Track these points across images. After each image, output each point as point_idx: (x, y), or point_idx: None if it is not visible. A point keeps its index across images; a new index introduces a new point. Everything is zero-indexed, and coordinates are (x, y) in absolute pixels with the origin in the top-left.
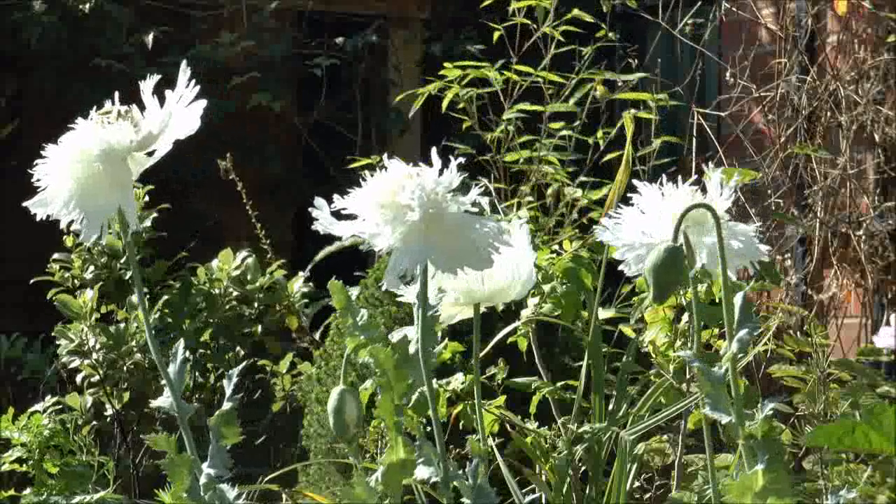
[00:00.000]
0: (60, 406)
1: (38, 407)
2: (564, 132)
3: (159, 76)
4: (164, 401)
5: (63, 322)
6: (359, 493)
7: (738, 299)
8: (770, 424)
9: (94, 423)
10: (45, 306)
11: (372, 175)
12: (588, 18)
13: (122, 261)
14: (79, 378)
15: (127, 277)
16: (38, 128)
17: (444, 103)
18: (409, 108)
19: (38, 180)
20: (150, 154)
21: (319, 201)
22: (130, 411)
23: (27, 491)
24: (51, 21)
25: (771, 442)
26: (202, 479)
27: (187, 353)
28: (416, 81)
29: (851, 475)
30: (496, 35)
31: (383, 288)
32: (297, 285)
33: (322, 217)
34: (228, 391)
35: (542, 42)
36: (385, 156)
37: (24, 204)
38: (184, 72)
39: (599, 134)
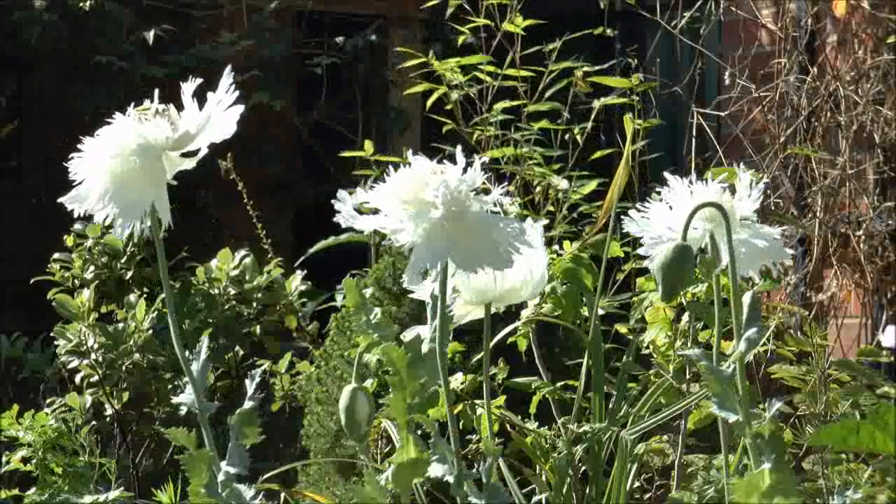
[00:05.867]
0: (68, 408)
1: (48, 410)
2: (544, 126)
3: (200, 80)
4: (186, 398)
5: (62, 322)
6: (369, 491)
7: (746, 298)
8: (777, 424)
9: (94, 423)
10: (45, 306)
11: (371, 172)
12: (527, 22)
13: (122, 261)
14: (78, 378)
15: (127, 277)
16: (38, 128)
17: (429, 102)
18: (409, 107)
19: (74, 174)
20: (186, 156)
21: (342, 194)
22: (130, 411)
23: (31, 490)
24: (51, 20)
25: (778, 441)
26: (220, 477)
27: (191, 354)
28: (415, 81)
29: (852, 475)
30: (461, 39)
31: (405, 283)
32: (295, 284)
33: (344, 210)
34: (250, 391)
35: (523, 41)
36: (409, 152)
37: (60, 200)
38: (227, 76)
39: (576, 130)
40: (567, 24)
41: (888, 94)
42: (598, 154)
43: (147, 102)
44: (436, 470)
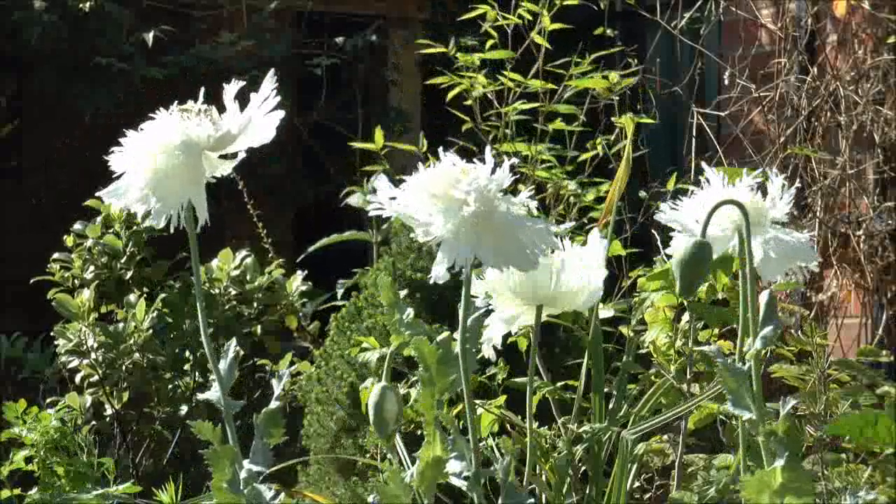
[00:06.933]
0: (71, 408)
1: (52, 410)
2: (558, 127)
3: (243, 83)
4: (213, 395)
5: (62, 322)
6: (392, 489)
7: (763, 297)
8: (790, 422)
9: (94, 423)
10: (45, 306)
11: (379, 166)
12: (555, 25)
13: (122, 261)
14: (78, 378)
15: (127, 277)
16: (38, 128)
17: (450, 95)
18: (409, 106)
19: (114, 167)
20: (224, 159)
21: (381, 178)
22: (130, 411)
23: (33, 490)
24: (51, 21)
25: (791, 440)
26: (242, 474)
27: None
28: (416, 81)
29: (851, 475)
30: (489, 43)
31: (431, 279)
32: (296, 284)
33: (381, 192)
34: (277, 390)
35: (535, 45)
36: (440, 149)
37: (98, 193)
38: (269, 80)
39: (599, 140)
40: (569, 28)
41: (888, 94)
42: (586, 156)
43: (190, 102)
44: (453, 466)
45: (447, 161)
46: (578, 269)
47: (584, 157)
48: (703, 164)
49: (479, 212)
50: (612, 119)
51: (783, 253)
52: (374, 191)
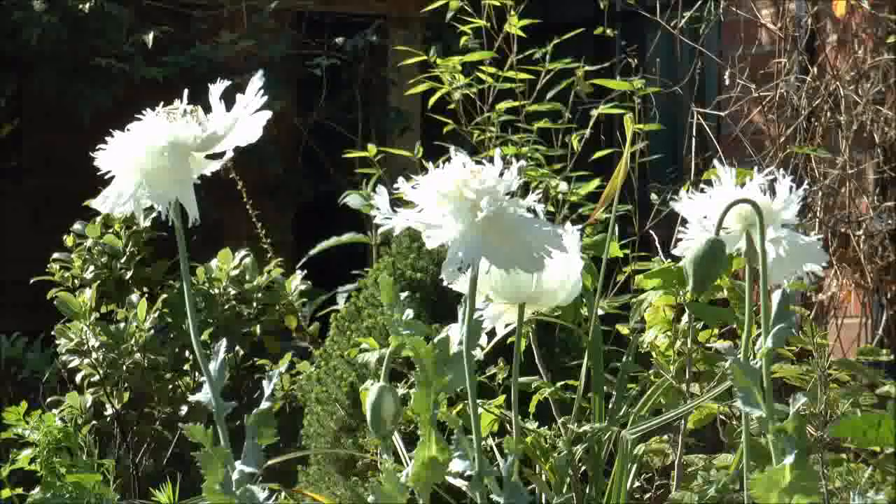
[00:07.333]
0: (72, 408)
1: (55, 410)
2: (544, 126)
3: (229, 82)
4: (203, 396)
5: (63, 321)
6: (388, 489)
7: (776, 296)
8: (800, 420)
9: (94, 423)
10: (45, 306)
11: (373, 171)
12: (523, 22)
13: (122, 261)
14: (78, 377)
15: (127, 277)
16: (38, 128)
17: (431, 101)
18: (409, 106)
19: (100, 166)
20: (212, 158)
21: (380, 189)
22: (130, 411)
23: (35, 490)
24: (51, 21)
25: (801, 438)
26: (234, 475)
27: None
28: (416, 82)
29: (852, 475)
30: (463, 39)
31: (443, 280)
32: (295, 284)
33: (382, 206)
34: (267, 391)
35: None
36: (452, 149)
37: (90, 204)
38: (258, 80)
39: (574, 137)
40: (569, 29)
41: (888, 94)
42: (598, 154)
43: (176, 102)
44: (457, 465)
45: (455, 163)
46: (559, 264)
47: (597, 156)
48: (715, 163)
49: (488, 214)
50: (592, 112)
51: (794, 254)
52: (374, 194)
